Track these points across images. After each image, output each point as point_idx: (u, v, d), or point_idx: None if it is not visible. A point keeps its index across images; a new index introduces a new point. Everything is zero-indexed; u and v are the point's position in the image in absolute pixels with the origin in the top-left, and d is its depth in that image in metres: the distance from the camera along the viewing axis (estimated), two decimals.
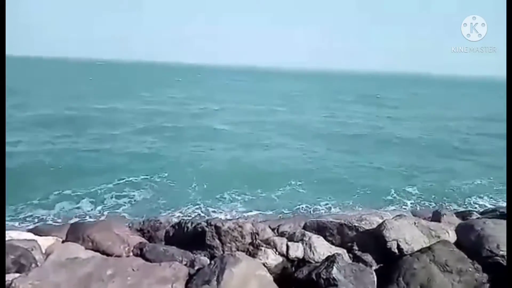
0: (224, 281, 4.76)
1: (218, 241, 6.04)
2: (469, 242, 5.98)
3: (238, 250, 5.87)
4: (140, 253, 5.97)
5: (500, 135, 25.17)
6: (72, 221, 9.58)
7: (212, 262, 5.29)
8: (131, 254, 6.13)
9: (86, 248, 6.07)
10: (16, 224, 9.64)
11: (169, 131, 22.56)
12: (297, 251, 5.83)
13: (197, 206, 11.75)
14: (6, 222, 8.67)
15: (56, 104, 30.11)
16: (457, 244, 6.04)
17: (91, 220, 10.10)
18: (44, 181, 12.39)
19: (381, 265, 5.90)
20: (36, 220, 10.04)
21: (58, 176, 13.15)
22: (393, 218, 6.46)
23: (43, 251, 5.76)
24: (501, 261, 5.62)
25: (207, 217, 10.97)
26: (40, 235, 6.65)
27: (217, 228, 6.09)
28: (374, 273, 5.49)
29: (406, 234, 5.92)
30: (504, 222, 6.51)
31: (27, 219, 10.04)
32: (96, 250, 6.09)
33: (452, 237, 6.16)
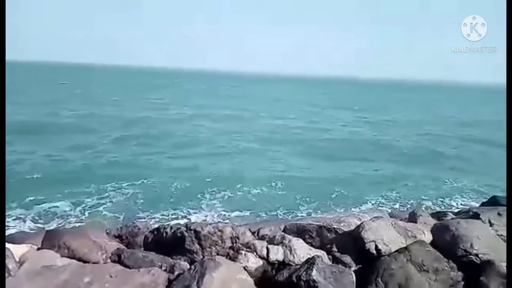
0: (204, 286, 4.72)
1: (198, 246, 5.99)
2: (444, 241, 6.15)
3: (218, 254, 5.84)
4: (118, 259, 5.86)
5: (475, 139, 26.10)
6: (49, 226, 9.38)
7: (192, 267, 5.24)
8: (109, 260, 6.00)
9: (62, 256, 5.91)
10: None
11: (147, 137, 22.27)
12: (277, 254, 5.84)
13: (178, 209, 11.70)
14: None
15: (30, 110, 29.30)
16: (433, 244, 6.19)
17: (71, 220, 9.96)
18: (19, 189, 12.03)
19: (360, 266, 5.98)
20: (10, 227, 9.75)
21: (33, 184, 12.81)
22: (370, 219, 6.56)
23: (17, 260, 5.57)
24: (474, 260, 5.80)
25: (187, 219, 11.02)
26: (14, 243, 6.44)
27: (196, 232, 6.05)
28: (353, 274, 5.57)
29: (384, 235, 6.02)
30: (477, 221, 6.73)
31: None
32: (73, 257, 5.94)
33: (428, 237, 6.31)
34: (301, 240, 6.33)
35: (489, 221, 6.75)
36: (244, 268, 5.54)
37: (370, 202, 12.94)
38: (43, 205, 11.19)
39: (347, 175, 15.87)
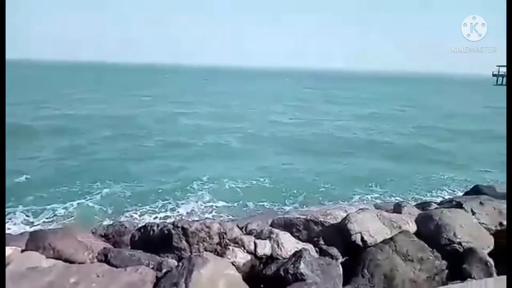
0: (193, 282, 4.72)
1: (185, 243, 5.98)
2: (428, 231, 6.26)
3: (206, 250, 5.83)
4: (105, 259, 5.81)
5: (461, 131, 26.54)
6: (35, 227, 9.29)
7: (180, 264, 5.23)
8: (95, 260, 5.94)
9: (47, 257, 5.83)
10: None
11: (134, 135, 22.03)
12: (265, 248, 5.88)
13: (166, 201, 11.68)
14: None
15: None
16: (417, 233, 6.30)
17: (57, 220, 9.84)
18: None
19: (347, 257, 6.06)
20: None
21: (20, 186, 12.63)
22: (356, 211, 6.64)
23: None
24: (458, 248, 5.93)
25: (175, 212, 11.04)
26: None
27: (184, 229, 6.03)
28: (340, 266, 5.65)
29: (369, 227, 6.11)
30: (460, 211, 6.87)
31: None
32: (58, 258, 5.86)
33: (412, 227, 6.42)
34: (288, 234, 6.37)
35: (472, 210, 6.89)
36: (232, 263, 5.56)
37: (357, 196, 13.10)
38: (27, 207, 11.06)
39: (334, 170, 15.97)
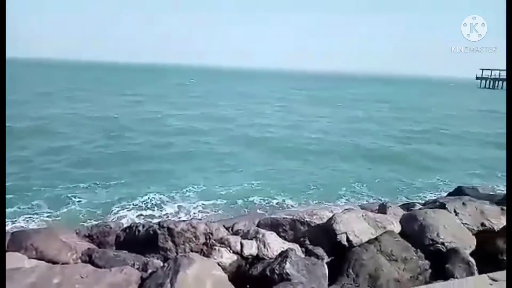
0: (178, 283, 4.69)
1: (171, 243, 5.94)
2: (413, 231, 6.35)
3: (192, 251, 5.81)
4: (89, 259, 5.73)
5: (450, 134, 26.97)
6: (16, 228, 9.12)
7: (165, 264, 5.20)
8: (79, 261, 5.86)
9: (29, 258, 5.72)
10: None
11: (121, 136, 21.72)
12: (251, 248, 5.88)
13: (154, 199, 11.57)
14: None
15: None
16: (402, 234, 6.38)
17: (40, 220, 9.68)
18: None
19: (332, 257, 6.10)
20: None
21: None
22: (342, 212, 6.70)
23: None
24: (441, 248, 6.03)
25: (162, 211, 10.97)
26: None
27: (170, 230, 5.99)
28: (325, 266, 5.69)
29: (355, 227, 6.16)
30: (443, 211, 6.98)
31: None
32: (41, 259, 5.76)
33: (397, 227, 6.50)
34: (274, 234, 6.38)
35: (455, 211, 7.01)
36: (218, 263, 5.54)
37: (344, 197, 13.19)
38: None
39: (322, 173, 16.00)
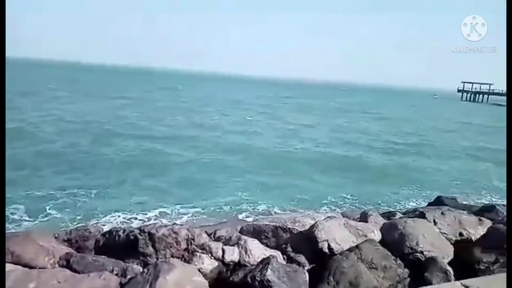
0: None
1: (151, 249, 5.87)
2: (393, 240, 6.45)
3: (172, 256, 5.75)
4: (67, 264, 5.62)
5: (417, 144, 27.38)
6: None
7: (145, 270, 5.14)
8: (57, 266, 5.74)
9: (5, 262, 5.58)
10: None
11: (102, 142, 21.26)
12: (232, 255, 5.86)
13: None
14: None
15: None
16: (382, 242, 6.47)
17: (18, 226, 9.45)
18: None
19: (313, 265, 6.14)
20: None
21: None
22: (324, 219, 6.74)
23: None
24: (420, 257, 6.13)
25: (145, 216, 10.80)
26: None
27: (150, 235, 5.93)
28: (306, 273, 5.71)
29: (336, 235, 6.22)
30: (423, 220, 7.12)
31: None
32: (17, 263, 5.61)
33: (377, 236, 6.59)
34: (256, 241, 6.39)
35: (434, 220, 7.15)
36: (199, 270, 5.52)
37: (327, 206, 13.23)
38: None
39: (306, 184, 15.94)
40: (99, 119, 28.13)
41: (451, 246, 6.61)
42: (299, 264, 6.03)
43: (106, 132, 23.57)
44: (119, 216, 11.09)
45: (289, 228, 6.72)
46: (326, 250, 6.09)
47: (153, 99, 47.68)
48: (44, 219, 10.69)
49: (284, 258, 6.19)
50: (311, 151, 22.53)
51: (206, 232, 7.02)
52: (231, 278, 5.50)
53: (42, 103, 34.37)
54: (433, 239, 6.41)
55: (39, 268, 5.56)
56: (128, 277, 5.30)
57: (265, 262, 5.42)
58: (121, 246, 6.14)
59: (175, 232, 6.07)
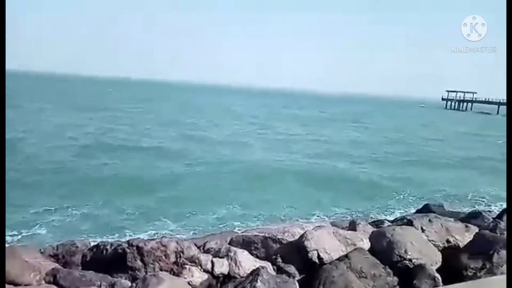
0: None
1: (140, 262, 5.81)
2: (381, 248, 6.49)
3: (161, 270, 5.69)
4: (54, 280, 5.52)
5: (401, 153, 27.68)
6: None
7: (134, 284, 5.08)
8: (43, 282, 5.63)
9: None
10: None
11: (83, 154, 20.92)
12: (222, 267, 5.83)
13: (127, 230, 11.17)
14: None
15: None
16: (371, 250, 6.51)
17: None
18: None
19: (303, 275, 6.13)
20: None
21: None
22: (313, 228, 6.76)
23: None
24: (408, 264, 6.18)
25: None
26: None
27: (139, 248, 5.87)
28: (297, 284, 5.70)
29: (326, 244, 6.24)
30: (410, 228, 7.19)
31: None
32: None
33: (366, 244, 6.62)
34: (246, 252, 6.36)
35: (421, 228, 7.23)
36: (189, 283, 5.47)
37: (317, 216, 13.24)
38: None
39: (297, 193, 15.95)
40: (88, 131, 27.91)
41: (439, 253, 6.69)
42: (289, 274, 6.02)
43: (95, 145, 23.31)
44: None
45: (278, 239, 6.71)
46: (316, 260, 6.10)
47: (136, 112, 47.30)
48: (29, 236, 10.45)
49: (274, 269, 6.17)
50: (301, 163, 22.48)
51: (195, 244, 6.97)
52: None
53: (27, 115, 33.91)
54: (421, 247, 6.47)
55: (25, 286, 5.45)
56: None
57: (255, 274, 5.40)
58: (109, 261, 6.06)
59: (163, 245, 6.01)
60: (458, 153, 29.34)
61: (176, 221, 12.19)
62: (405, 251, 6.27)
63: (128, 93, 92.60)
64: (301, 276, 6.15)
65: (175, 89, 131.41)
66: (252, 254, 6.49)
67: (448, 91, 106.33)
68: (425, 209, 10.39)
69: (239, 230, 10.96)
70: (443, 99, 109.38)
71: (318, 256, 6.12)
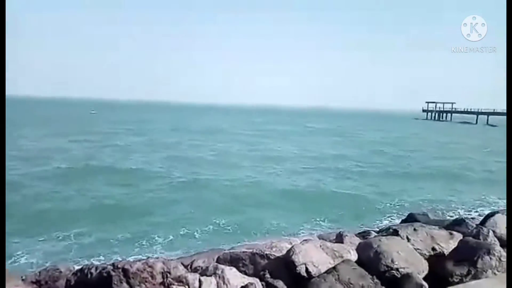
0: None
1: (126, 285, 5.67)
2: (368, 259, 6.52)
3: None
4: None
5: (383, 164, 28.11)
6: None
7: None
8: None
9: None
10: None
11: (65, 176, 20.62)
12: (210, 285, 5.74)
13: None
14: None
15: None
16: (358, 262, 6.53)
17: None
18: None
19: None
20: None
21: None
22: (300, 242, 6.76)
23: None
24: (395, 274, 6.21)
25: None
26: None
27: (124, 271, 5.74)
28: None
29: (313, 257, 6.23)
30: (396, 238, 7.25)
31: None
32: None
33: (353, 256, 6.64)
34: (234, 269, 6.29)
35: (407, 237, 7.30)
36: None
37: (304, 231, 13.27)
38: None
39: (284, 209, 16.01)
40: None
41: (425, 261, 6.75)
42: None
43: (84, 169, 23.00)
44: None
45: (266, 254, 6.68)
46: (304, 274, 6.08)
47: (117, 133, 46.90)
48: (13, 264, 10.14)
49: (262, 285, 6.12)
50: (286, 181, 22.45)
51: (182, 263, 6.87)
52: None
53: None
54: (407, 256, 6.52)
55: None
56: None
57: None
58: (94, 284, 5.90)
59: (150, 266, 5.90)
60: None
61: (164, 240, 12.10)
62: (392, 261, 6.31)
63: (113, 115, 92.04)
64: None
65: (161, 109, 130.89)
66: (240, 271, 6.43)
67: (427, 102, 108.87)
68: (410, 219, 10.53)
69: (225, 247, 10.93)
70: (423, 110, 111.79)
71: (306, 270, 6.10)
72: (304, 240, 7.08)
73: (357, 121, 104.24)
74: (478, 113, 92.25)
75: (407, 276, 6.03)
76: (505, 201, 17.28)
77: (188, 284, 5.77)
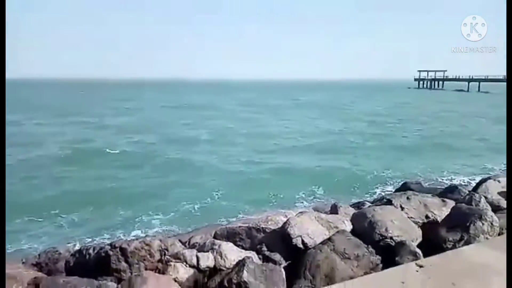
0: None
1: (124, 264, 5.76)
2: (363, 228, 6.63)
3: (146, 269, 5.67)
4: None
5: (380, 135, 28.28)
6: None
7: (119, 286, 5.05)
8: None
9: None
10: None
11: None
12: (207, 260, 5.83)
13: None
14: None
15: None
16: (353, 232, 6.64)
17: None
18: None
19: (289, 261, 6.21)
20: None
21: None
22: (296, 215, 6.84)
23: None
24: (390, 242, 6.33)
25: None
26: None
27: (122, 250, 5.81)
28: (283, 271, 5.76)
29: (309, 229, 6.33)
30: (390, 207, 7.36)
31: None
32: None
33: (348, 226, 6.75)
34: (231, 244, 6.39)
35: (400, 206, 7.42)
36: (174, 279, 5.45)
37: (300, 202, 13.42)
38: None
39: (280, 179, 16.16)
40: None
41: (419, 229, 6.87)
42: (275, 262, 6.08)
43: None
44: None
45: (262, 228, 6.77)
46: (300, 245, 6.18)
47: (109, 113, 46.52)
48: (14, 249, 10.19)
49: (259, 258, 6.23)
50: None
51: (180, 240, 6.97)
52: (207, 285, 5.48)
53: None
54: (401, 224, 6.63)
55: None
56: None
57: (241, 264, 5.43)
58: (92, 264, 5.99)
59: (147, 244, 5.98)
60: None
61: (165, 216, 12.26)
62: (386, 230, 6.42)
63: (102, 94, 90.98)
64: (287, 262, 6.23)
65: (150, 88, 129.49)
66: (237, 245, 6.52)
67: (419, 70, 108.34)
68: (404, 188, 10.65)
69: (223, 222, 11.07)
70: (415, 79, 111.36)
71: (303, 242, 6.20)
72: (299, 212, 7.17)
73: (352, 92, 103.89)
74: (469, 80, 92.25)
75: (401, 244, 6.14)
76: (498, 167, 17.57)
77: (185, 260, 5.86)
